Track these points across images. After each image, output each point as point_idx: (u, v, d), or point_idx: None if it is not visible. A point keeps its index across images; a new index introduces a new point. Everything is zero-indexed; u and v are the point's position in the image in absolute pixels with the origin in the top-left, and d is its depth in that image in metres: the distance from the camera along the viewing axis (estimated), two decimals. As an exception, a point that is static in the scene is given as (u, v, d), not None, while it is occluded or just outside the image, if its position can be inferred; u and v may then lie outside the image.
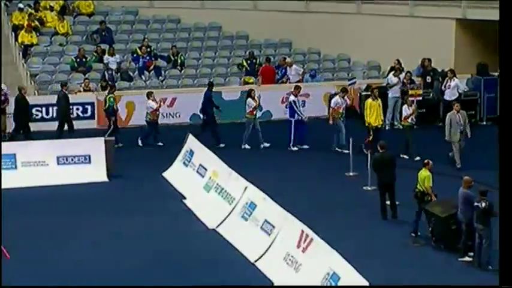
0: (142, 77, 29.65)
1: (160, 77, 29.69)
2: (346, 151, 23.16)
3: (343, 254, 14.75)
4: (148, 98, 25.28)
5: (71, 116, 26.19)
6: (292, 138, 24.81)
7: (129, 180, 22.29)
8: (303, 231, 16.06)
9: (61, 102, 25.78)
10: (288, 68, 29.38)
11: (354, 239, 18.11)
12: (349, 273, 14.24)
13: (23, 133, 25.51)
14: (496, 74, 28.06)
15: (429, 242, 17.90)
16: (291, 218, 16.84)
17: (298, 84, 26.88)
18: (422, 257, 17.45)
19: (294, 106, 24.76)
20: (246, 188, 18.95)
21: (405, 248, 17.90)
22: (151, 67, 29.73)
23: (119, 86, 28.45)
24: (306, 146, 24.89)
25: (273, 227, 17.32)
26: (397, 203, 19.49)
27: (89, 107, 27.45)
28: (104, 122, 26.27)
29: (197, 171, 21.54)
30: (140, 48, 29.97)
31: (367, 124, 23.66)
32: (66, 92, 26.02)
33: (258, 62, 29.89)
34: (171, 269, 16.77)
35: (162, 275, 16.50)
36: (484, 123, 27.66)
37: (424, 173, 18.18)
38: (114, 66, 29.28)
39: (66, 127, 25.61)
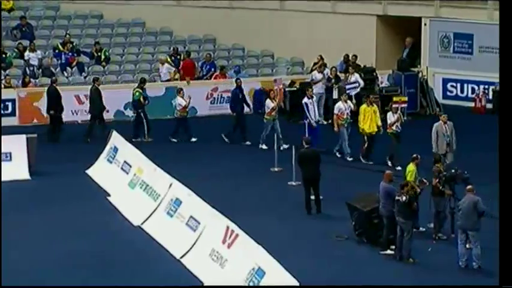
0: (65, 73, 29.33)
1: (83, 73, 29.41)
2: (350, 159, 22.90)
3: (268, 249, 14.85)
4: (178, 95, 25.35)
5: None
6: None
7: (52, 178, 22.04)
8: (228, 227, 16.12)
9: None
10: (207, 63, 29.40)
11: (279, 234, 18.24)
12: (274, 268, 14.35)
13: None
14: (416, 69, 28.55)
15: (352, 236, 18.13)
16: (216, 214, 16.88)
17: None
18: (346, 251, 17.67)
19: (305, 108, 23.65)
20: (171, 184, 18.92)
21: (329, 242, 18.10)
22: (74, 63, 29.42)
23: (41, 82, 28.09)
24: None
25: (199, 223, 17.34)
26: (321, 197, 19.70)
27: (10, 104, 27.04)
28: (26, 120, 25.92)
29: (121, 168, 21.41)
30: (62, 44, 29.64)
31: (360, 131, 22.77)
32: None
33: (182, 58, 29.83)
34: (95, 267, 16.65)
35: (86, 273, 16.37)
36: (405, 118, 28.06)
37: (409, 167, 18.31)
38: (35, 63, 28.89)
39: None
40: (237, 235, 15.81)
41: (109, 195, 20.77)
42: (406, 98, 24.61)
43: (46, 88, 26.10)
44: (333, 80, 27.24)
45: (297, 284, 13.88)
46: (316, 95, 27.03)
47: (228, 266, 15.72)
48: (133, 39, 31.58)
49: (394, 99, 23.77)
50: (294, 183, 21.26)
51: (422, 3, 29.18)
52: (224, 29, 31.29)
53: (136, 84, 26.03)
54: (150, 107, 26.09)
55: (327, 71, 27.59)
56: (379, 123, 22.69)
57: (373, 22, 29.76)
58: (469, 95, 28.68)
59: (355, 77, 26.85)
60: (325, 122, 26.37)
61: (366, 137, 22.74)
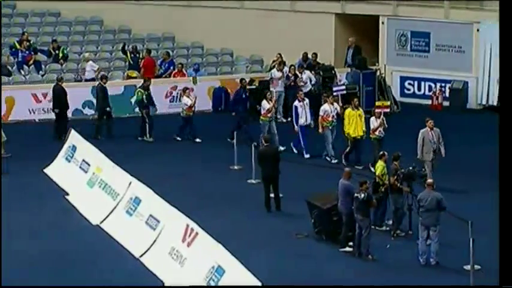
0: (22, 71, 29.06)
1: (40, 72, 29.17)
2: (334, 161, 22.55)
3: (228, 247, 14.87)
4: (184, 94, 25.18)
5: None
6: (303, 146, 23.15)
7: (9, 177, 21.82)
8: (188, 226, 16.11)
9: None
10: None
11: (239, 232, 18.27)
12: (233, 266, 14.38)
13: None
14: (374, 67, 28.75)
15: (312, 234, 18.21)
16: (176, 213, 16.86)
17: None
18: (305, 248, 17.74)
19: (294, 112, 23.24)
20: (130, 183, 18.86)
21: (289, 240, 18.16)
22: (31, 61, 29.17)
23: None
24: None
25: (158, 221, 17.30)
26: (280, 195, 19.76)
27: (-33, 102, 26.74)
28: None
29: (80, 167, 21.29)
30: (19, 42, 29.37)
31: (346, 135, 22.31)
32: None
33: (141, 56, 29.72)
34: (53, 267, 16.54)
35: (44, 273, 16.26)
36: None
37: (379, 163, 18.48)
38: (-9, 61, 28.61)
39: None
40: (196, 233, 15.81)
41: (67, 194, 20.64)
42: (388, 103, 23.56)
43: (52, 86, 25.88)
44: (292, 78, 27.33)
45: (257, 282, 13.91)
46: (276, 93, 27.11)
47: (187, 265, 15.71)
48: (92, 37, 31.41)
49: (377, 104, 22.73)
50: (253, 181, 21.30)
51: (380, 2, 29.38)
52: (183, 27, 31.23)
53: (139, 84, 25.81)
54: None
55: (286, 69, 27.67)
56: (364, 127, 22.20)
57: (331, 20, 29.90)
58: (426, 92, 28.95)
59: (307, 74, 27.05)
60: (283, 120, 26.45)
61: (350, 142, 22.21)
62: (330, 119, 22.72)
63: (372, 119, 21.93)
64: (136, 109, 26.11)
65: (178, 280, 15.58)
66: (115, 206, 18.85)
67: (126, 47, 29.51)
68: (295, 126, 23.23)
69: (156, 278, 16.06)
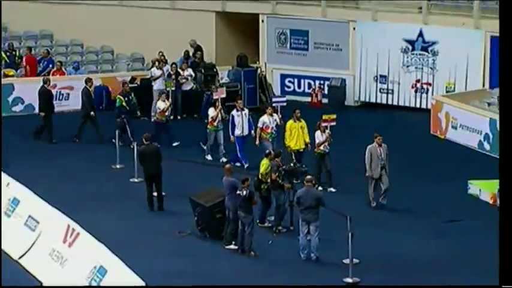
0: None
1: None
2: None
3: (110, 247, 14.76)
4: (159, 98, 24.32)
5: None
6: (239, 155, 22.16)
7: None
8: (69, 226, 15.92)
9: None
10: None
11: (121, 231, 18.16)
12: (116, 266, 14.29)
13: None
14: (255, 65, 29.01)
15: (195, 231, 18.25)
16: (56, 213, 16.63)
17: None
18: (189, 246, 17.78)
19: (231, 121, 22.21)
20: (8, 183, 18.47)
21: (172, 238, 18.16)
22: None
23: None
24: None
25: (38, 222, 17.02)
26: (164, 194, 19.73)
27: None
28: None
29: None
30: None
31: (286, 147, 21.11)
32: None
33: (18, 54, 29.11)
34: None
35: None
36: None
37: (264, 161, 18.50)
38: None
39: None
40: (78, 234, 15.64)
41: None
42: (335, 116, 21.00)
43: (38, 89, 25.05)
44: (173, 77, 27.30)
45: (141, 281, 13.87)
46: (157, 92, 27.03)
47: (68, 265, 15.53)
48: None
49: (324, 117, 20.89)
50: (136, 180, 21.19)
51: (259, 0, 29.62)
52: (61, 25, 30.75)
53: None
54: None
55: (167, 67, 27.62)
56: (308, 139, 21.12)
57: (212, 18, 30.00)
58: (306, 90, 29.39)
59: (189, 71, 27.04)
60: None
61: (293, 155, 20.95)
62: (269, 130, 21.75)
63: (317, 133, 20.69)
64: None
65: (59, 281, 15.37)
66: (-7, 208, 18.42)
67: (2, 45, 28.84)
68: (231, 137, 22.27)
69: (35, 279, 15.79)
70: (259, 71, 28.84)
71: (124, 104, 24.37)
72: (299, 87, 29.55)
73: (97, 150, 23.83)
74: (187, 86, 26.55)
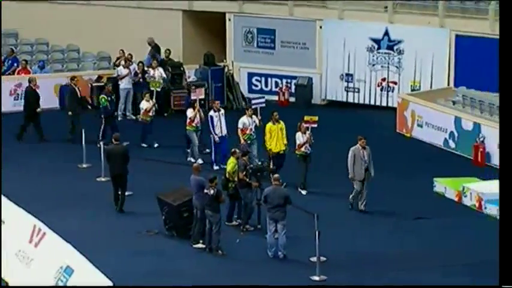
0: None
1: None
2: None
3: (77, 246, 14.69)
4: (144, 98, 24.14)
5: None
6: (213, 157, 22.01)
7: None
8: (35, 226, 15.81)
9: None
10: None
11: (88, 231, 18.10)
12: (83, 266, 14.22)
13: None
14: (222, 64, 29.02)
15: (163, 230, 18.22)
16: (22, 213, 16.50)
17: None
18: (156, 245, 17.75)
19: (210, 122, 21.94)
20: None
21: (139, 237, 18.12)
22: None
23: None
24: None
25: (3, 222, 16.88)
26: (130, 193, 19.67)
27: None
28: None
29: None
30: None
31: (267, 150, 20.86)
32: None
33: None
34: None
35: None
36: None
37: (231, 160, 18.50)
38: None
39: None
40: (44, 234, 15.53)
41: None
42: (316, 118, 20.74)
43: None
44: (140, 75, 27.21)
45: (108, 281, 13.82)
46: (124, 91, 26.94)
47: (34, 265, 15.42)
48: None
49: (305, 118, 20.65)
50: (103, 179, 21.11)
51: (226, -2, 29.68)
52: (26, 23, 30.55)
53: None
54: None
55: (134, 66, 27.53)
56: (285, 141, 20.91)
57: (178, 17, 29.96)
58: (273, 88, 29.45)
59: (159, 71, 26.96)
60: (134, 118, 26.21)
61: (273, 157, 20.66)
62: (248, 132, 21.44)
63: (298, 134, 20.47)
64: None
65: (25, 281, 15.27)
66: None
67: None
68: (215, 137, 21.98)
69: (1, 280, 15.69)
70: (226, 69, 28.86)
71: (108, 104, 24.27)
72: (266, 85, 29.60)
73: (63, 150, 23.70)
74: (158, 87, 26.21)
